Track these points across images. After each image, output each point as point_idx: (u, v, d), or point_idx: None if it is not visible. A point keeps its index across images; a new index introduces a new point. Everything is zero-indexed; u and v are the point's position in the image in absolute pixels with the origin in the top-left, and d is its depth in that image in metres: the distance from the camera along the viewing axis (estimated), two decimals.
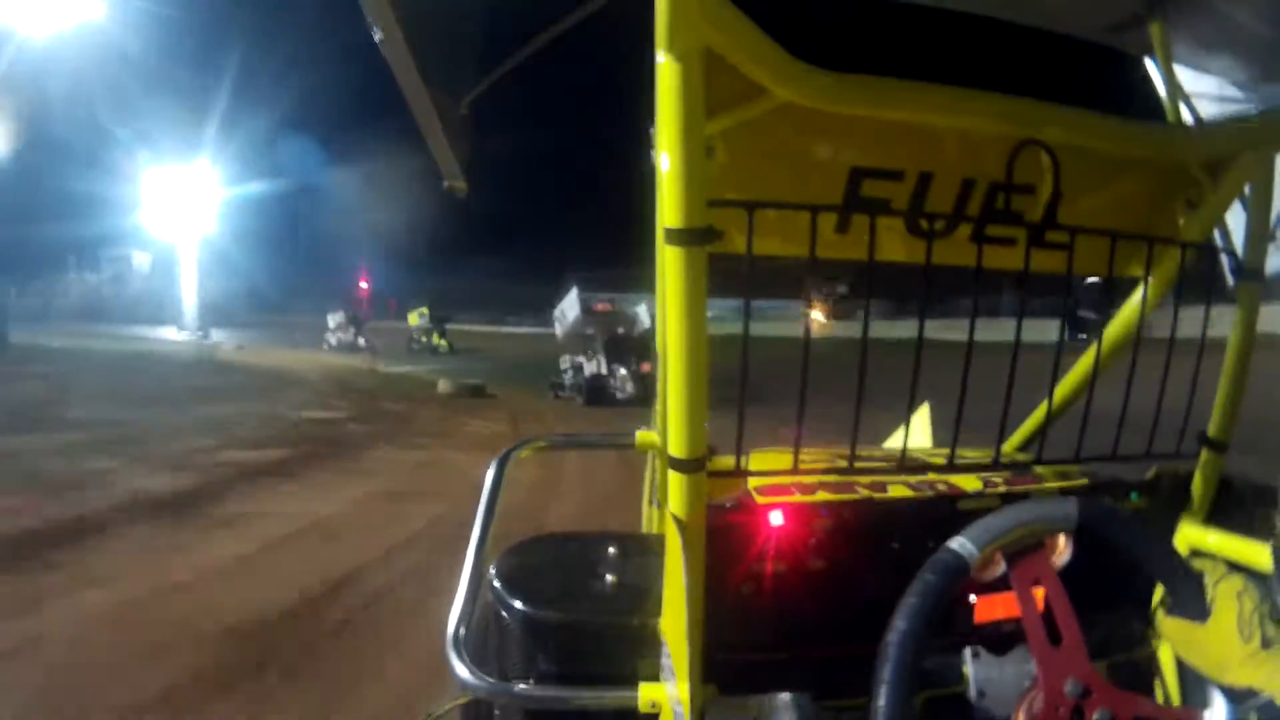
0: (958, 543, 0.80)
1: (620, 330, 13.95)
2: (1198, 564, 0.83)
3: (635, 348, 13.54)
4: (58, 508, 4.92)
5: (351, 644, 3.19)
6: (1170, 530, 1.12)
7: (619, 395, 13.07)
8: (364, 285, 41.58)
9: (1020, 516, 0.83)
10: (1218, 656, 0.77)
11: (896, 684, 0.72)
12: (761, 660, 0.95)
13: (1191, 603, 0.80)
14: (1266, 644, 0.75)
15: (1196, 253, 1.09)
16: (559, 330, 13.71)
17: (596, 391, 12.99)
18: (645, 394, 12.65)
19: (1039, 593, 0.83)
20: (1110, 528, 0.84)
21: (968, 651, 0.95)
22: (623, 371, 13.06)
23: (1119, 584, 0.99)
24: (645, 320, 14.63)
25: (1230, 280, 1.09)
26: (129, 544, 4.39)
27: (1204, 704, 0.79)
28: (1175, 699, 1.06)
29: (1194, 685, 0.90)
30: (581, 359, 13.59)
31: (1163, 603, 0.85)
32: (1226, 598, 0.78)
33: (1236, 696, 0.75)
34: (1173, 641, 0.84)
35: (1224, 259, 1.12)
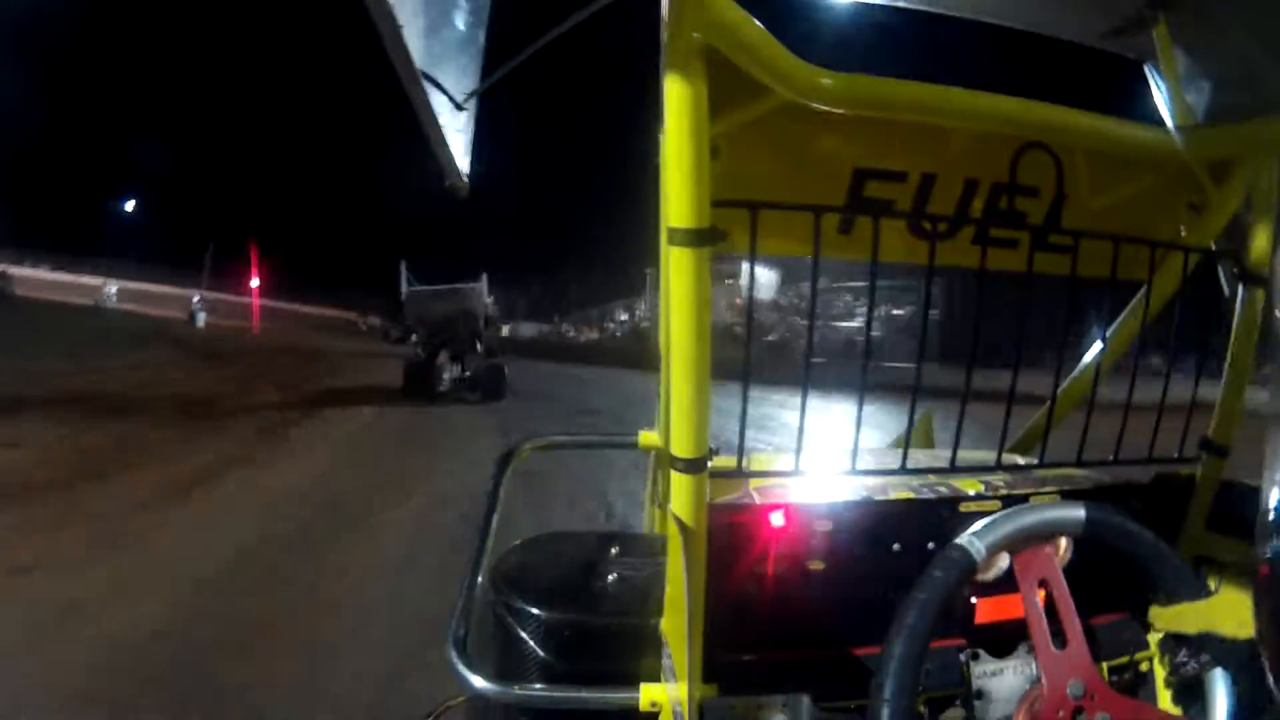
0: (966, 540, 0.80)
1: (458, 315, 12.15)
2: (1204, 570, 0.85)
3: (473, 336, 11.80)
4: None
5: None
6: (1172, 534, 1.12)
7: (440, 388, 11.25)
8: None
9: (1028, 518, 0.83)
10: (1231, 618, 0.80)
11: (902, 678, 0.72)
12: (761, 660, 0.95)
13: (1195, 594, 0.82)
14: None
15: (1200, 256, 1.10)
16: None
17: (414, 380, 11.33)
18: (489, 389, 11.05)
19: (1042, 594, 0.83)
20: (1117, 532, 0.84)
21: (968, 652, 0.95)
22: (451, 361, 11.33)
23: (1119, 586, 0.99)
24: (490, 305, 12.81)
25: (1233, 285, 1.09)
26: None
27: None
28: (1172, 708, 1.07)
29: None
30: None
31: (1161, 599, 0.86)
32: (1231, 584, 0.81)
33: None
34: (1174, 624, 0.86)
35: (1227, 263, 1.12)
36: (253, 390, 11.47)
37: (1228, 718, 0.79)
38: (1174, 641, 0.85)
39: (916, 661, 0.73)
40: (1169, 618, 0.84)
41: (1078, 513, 0.83)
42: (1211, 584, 0.84)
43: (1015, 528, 0.82)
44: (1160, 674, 1.07)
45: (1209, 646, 0.81)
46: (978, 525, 0.82)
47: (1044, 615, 0.82)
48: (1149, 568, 0.85)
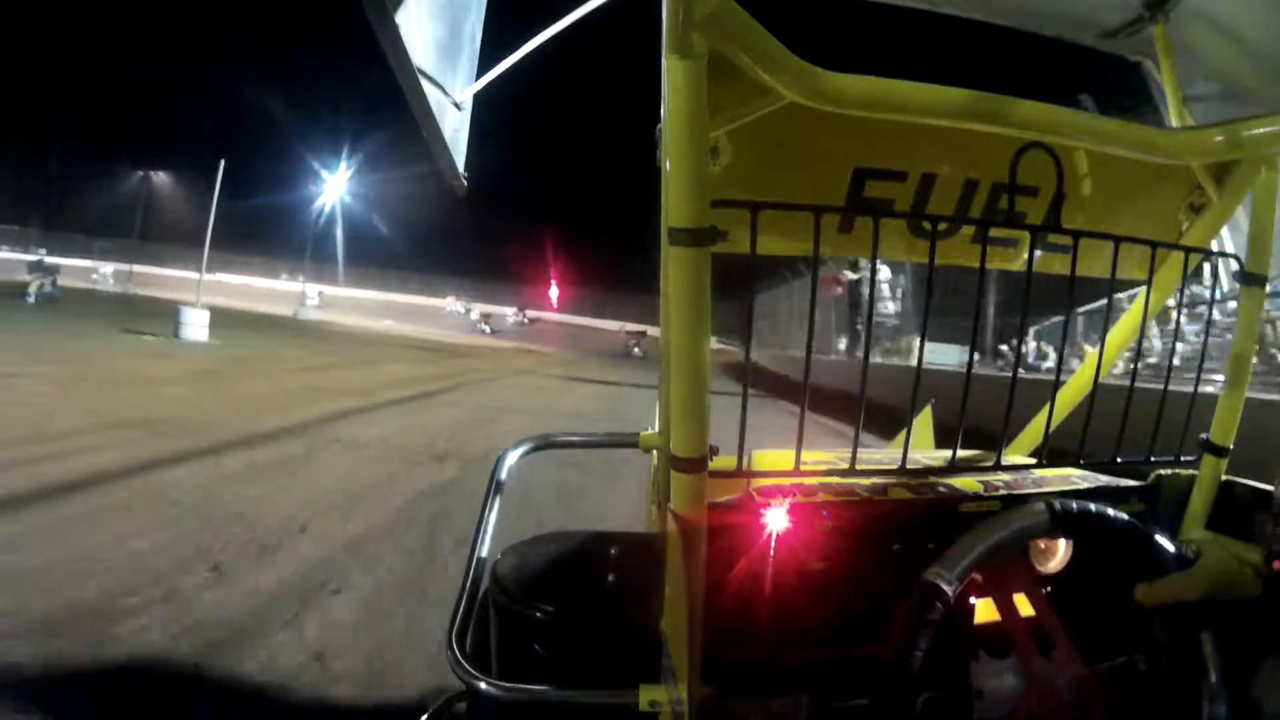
0: (934, 574, 0.80)
1: None
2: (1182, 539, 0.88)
3: None
4: None
5: None
6: (1172, 534, 1.12)
7: None
8: None
9: (993, 534, 0.83)
10: (1216, 583, 0.84)
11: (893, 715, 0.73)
12: (761, 660, 0.95)
13: (1176, 565, 0.84)
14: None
15: (1200, 256, 1.10)
16: None
17: None
18: None
19: (1022, 601, 0.83)
20: (1089, 521, 0.85)
21: (967, 654, 0.95)
22: None
23: (1116, 585, 1.00)
24: None
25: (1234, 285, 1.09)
26: None
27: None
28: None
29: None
30: None
31: (1146, 576, 0.87)
32: (1213, 548, 0.88)
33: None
34: (1160, 596, 0.87)
35: (1227, 263, 1.12)
36: None
37: (1221, 681, 0.80)
38: (1163, 615, 0.86)
39: (907, 701, 0.74)
40: (1155, 592, 0.85)
41: (1040, 515, 0.84)
42: (1191, 553, 0.86)
43: (981, 549, 0.82)
44: (1157, 665, 1.08)
45: (1196, 613, 0.82)
46: (943, 557, 0.82)
47: (1025, 623, 0.82)
48: (1130, 548, 0.85)
